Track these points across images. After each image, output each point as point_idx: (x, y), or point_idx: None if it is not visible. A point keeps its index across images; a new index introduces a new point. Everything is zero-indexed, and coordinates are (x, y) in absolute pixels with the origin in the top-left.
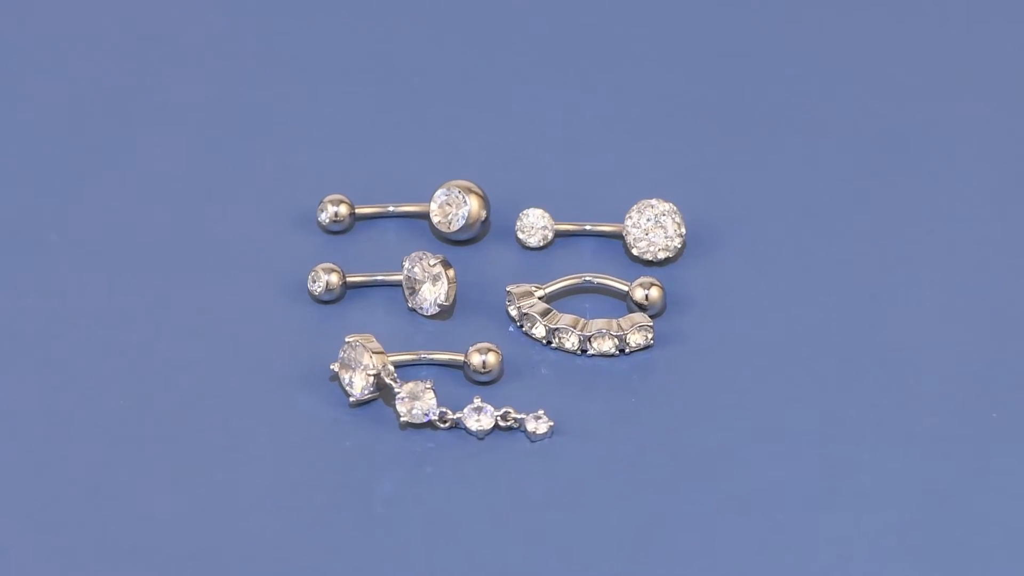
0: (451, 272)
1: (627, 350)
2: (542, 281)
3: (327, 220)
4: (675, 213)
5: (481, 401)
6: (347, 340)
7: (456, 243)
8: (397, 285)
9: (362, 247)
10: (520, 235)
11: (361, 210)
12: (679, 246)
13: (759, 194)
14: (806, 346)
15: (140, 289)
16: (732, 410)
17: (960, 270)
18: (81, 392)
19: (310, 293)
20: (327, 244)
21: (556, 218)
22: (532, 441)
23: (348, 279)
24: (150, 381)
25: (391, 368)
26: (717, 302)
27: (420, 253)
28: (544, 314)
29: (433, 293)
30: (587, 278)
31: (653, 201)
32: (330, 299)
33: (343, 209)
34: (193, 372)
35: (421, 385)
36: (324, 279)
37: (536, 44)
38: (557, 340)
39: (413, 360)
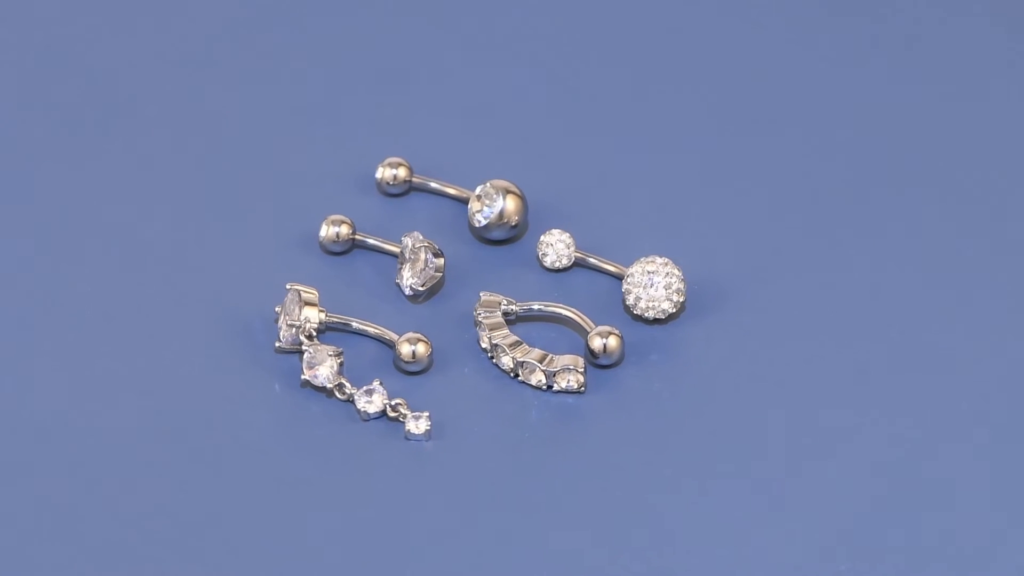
0: (440, 261)
1: (555, 387)
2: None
3: (381, 180)
4: (674, 277)
5: (380, 385)
6: (288, 287)
7: (487, 241)
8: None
9: (402, 215)
10: (537, 252)
11: (417, 179)
12: (669, 310)
13: (778, 274)
14: (741, 439)
15: (171, 217)
16: (631, 474)
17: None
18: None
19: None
20: (377, 205)
21: (592, 247)
22: (407, 439)
23: (357, 237)
24: (119, 294)
25: (310, 326)
26: (678, 367)
27: (418, 235)
28: (494, 327)
29: (412, 276)
30: (538, 306)
31: (658, 259)
32: (336, 251)
33: (401, 172)
34: (168, 296)
35: (329, 351)
36: (333, 230)
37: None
38: (496, 355)
39: (342, 323)
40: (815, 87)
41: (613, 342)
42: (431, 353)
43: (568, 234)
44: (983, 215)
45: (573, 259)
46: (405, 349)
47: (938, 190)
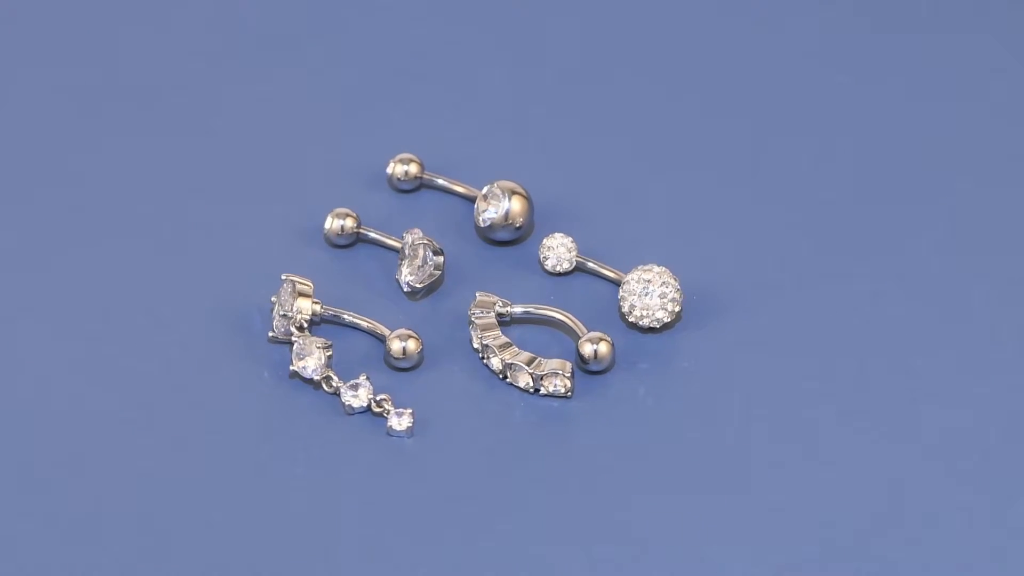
0: (439, 259)
1: (541, 391)
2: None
3: (392, 175)
4: (670, 287)
5: (366, 379)
6: (283, 278)
7: (491, 241)
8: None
9: (411, 211)
10: (539, 255)
11: (428, 176)
12: (663, 319)
13: (780, 286)
14: (725, 449)
15: (180, 205)
16: (612, 479)
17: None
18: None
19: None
20: (386, 200)
21: (597, 252)
22: (388, 434)
23: (361, 231)
24: (123, 276)
25: (301, 317)
26: (667, 376)
27: (419, 232)
28: (486, 328)
29: (410, 273)
30: (531, 309)
31: (655, 268)
32: (341, 243)
33: (412, 168)
34: (171, 282)
35: (318, 343)
36: (338, 223)
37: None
38: (486, 356)
39: (334, 316)
40: (818, 97)
41: (604, 348)
42: (421, 350)
43: (571, 238)
44: (987, 228)
45: (574, 264)
46: (395, 345)
47: (940, 202)
